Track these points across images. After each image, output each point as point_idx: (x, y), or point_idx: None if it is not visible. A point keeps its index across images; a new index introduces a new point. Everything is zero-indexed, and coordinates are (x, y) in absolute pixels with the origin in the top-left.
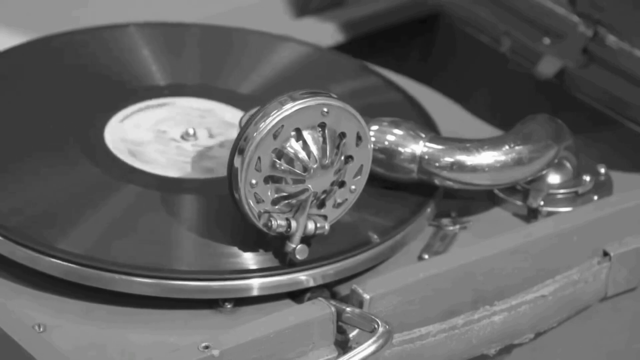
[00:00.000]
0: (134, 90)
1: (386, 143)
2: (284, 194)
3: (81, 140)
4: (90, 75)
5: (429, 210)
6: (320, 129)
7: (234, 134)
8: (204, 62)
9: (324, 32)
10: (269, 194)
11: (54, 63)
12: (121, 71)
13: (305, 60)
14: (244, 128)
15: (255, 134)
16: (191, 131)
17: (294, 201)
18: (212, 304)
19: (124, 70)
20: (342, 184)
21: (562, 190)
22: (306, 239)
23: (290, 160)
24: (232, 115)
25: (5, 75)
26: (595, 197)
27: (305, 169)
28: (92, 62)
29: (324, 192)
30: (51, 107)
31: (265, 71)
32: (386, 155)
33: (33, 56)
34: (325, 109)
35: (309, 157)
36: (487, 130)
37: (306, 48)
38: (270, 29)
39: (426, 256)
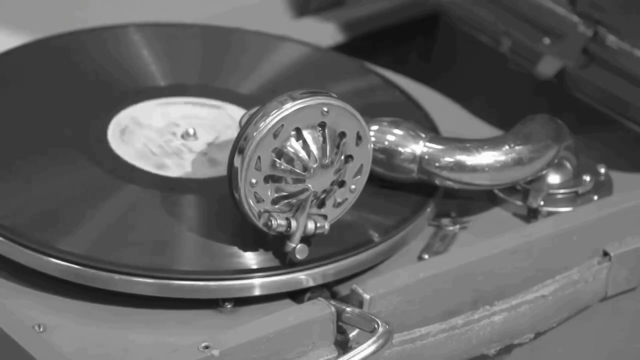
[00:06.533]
0: (134, 91)
1: (386, 143)
2: (284, 193)
3: (81, 140)
4: (90, 75)
5: (429, 210)
6: (320, 129)
7: (233, 133)
8: (204, 63)
9: (323, 32)
10: (269, 193)
11: (54, 63)
12: (121, 71)
13: (305, 61)
14: (244, 127)
15: (255, 134)
16: (191, 131)
17: (294, 200)
18: (212, 304)
19: (124, 71)
20: (342, 184)
21: (562, 190)
22: (306, 239)
23: (290, 160)
24: (232, 116)
25: (6, 76)
26: (595, 197)
27: (305, 168)
28: (92, 63)
29: (324, 191)
30: (51, 107)
31: (265, 72)
32: (386, 155)
33: (33, 57)
34: (325, 109)
35: (309, 157)
36: (487, 130)
37: (306, 48)
38: (270, 29)
39: (426, 256)
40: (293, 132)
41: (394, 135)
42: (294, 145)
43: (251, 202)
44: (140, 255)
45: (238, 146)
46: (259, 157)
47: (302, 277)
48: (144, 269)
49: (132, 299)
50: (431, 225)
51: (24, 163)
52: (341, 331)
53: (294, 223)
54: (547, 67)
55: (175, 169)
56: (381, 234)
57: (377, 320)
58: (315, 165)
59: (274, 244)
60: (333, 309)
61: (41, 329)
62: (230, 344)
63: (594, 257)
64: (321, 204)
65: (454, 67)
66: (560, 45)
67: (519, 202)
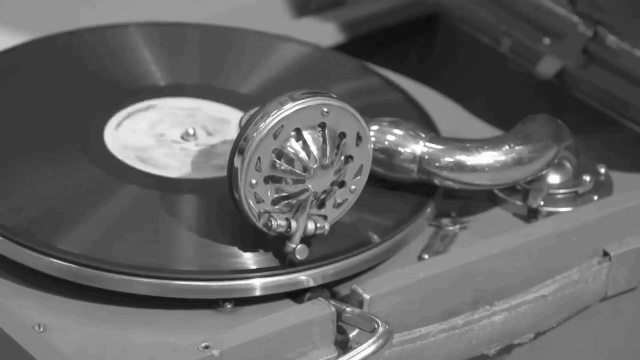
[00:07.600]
0: (134, 90)
1: (386, 143)
2: (284, 194)
3: (81, 140)
4: (90, 75)
5: (429, 210)
6: (320, 129)
7: (233, 133)
8: (204, 62)
9: (324, 32)
10: (269, 194)
11: (54, 63)
12: (121, 71)
13: (305, 61)
14: (244, 128)
15: (255, 134)
16: (191, 131)
17: (294, 201)
18: (212, 304)
19: (124, 70)
20: (342, 184)
21: (562, 190)
22: (306, 239)
23: (290, 160)
24: (232, 116)
25: (6, 75)
26: (595, 197)
27: (305, 169)
28: (92, 62)
29: (324, 192)
30: (51, 106)
31: (265, 71)
32: (386, 155)
33: (33, 56)
34: (325, 109)
35: (309, 157)
36: (487, 130)
37: (306, 48)
38: (270, 29)
39: (426, 256)
40: (293, 133)
41: (394, 135)
42: (294, 146)
43: (251, 203)
44: (140, 255)
45: (238, 147)
46: (259, 158)
47: (302, 277)
48: (143, 268)
49: (132, 299)
50: (431, 225)
51: (24, 162)
52: (341, 331)
53: (294, 224)
54: (547, 67)
55: (175, 169)
56: (381, 234)
57: (377, 320)
58: (315, 166)
59: (273, 244)
60: (333, 309)
61: (41, 329)
62: (230, 344)
63: (594, 257)
64: (321, 205)
65: (454, 67)
66: (560, 45)
67: (519, 202)
